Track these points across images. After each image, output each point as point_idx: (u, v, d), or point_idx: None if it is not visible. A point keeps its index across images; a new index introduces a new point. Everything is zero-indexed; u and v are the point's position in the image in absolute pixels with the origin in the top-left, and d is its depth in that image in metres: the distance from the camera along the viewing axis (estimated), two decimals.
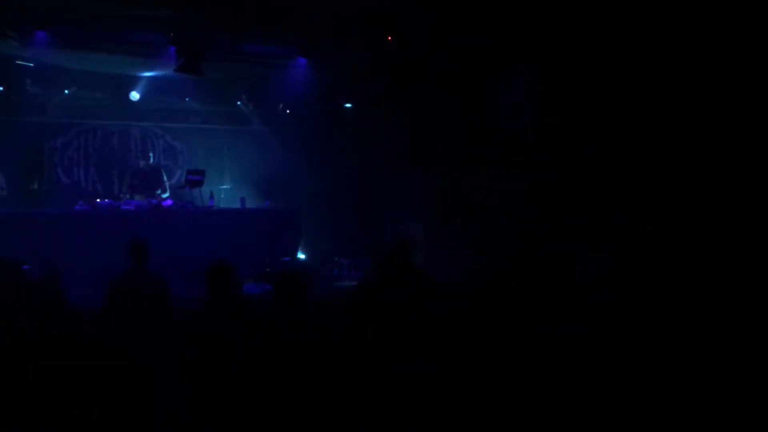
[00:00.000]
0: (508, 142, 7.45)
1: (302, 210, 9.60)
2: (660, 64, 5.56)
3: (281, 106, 10.68)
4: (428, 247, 7.54)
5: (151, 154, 9.82)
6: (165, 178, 9.50)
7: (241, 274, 4.27)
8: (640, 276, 4.09)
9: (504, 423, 2.89)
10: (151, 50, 8.39)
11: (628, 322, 3.34)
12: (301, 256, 9.66)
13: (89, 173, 10.27)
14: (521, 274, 4.19)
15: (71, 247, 7.32)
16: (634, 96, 5.83)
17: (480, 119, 7.94)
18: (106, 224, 7.94)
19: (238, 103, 10.91)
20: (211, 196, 9.29)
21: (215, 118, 11.12)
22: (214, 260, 3.97)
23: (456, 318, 3.72)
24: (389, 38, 8.57)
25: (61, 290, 4.21)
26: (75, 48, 8.18)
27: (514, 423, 2.88)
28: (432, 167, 8.54)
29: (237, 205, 9.61)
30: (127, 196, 8.98)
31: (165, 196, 9.18)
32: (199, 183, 9.29)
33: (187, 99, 10.54)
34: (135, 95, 9.89)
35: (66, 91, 9.61)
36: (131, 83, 9.87)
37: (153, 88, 9.98)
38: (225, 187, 10.36)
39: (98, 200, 8.63)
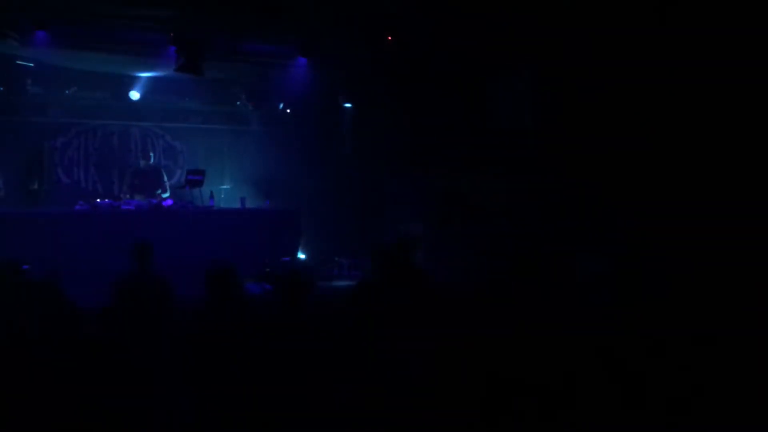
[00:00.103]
0: (508, 142, 7.46)
1: (302, 210, 9.60)
2: (660, 64, 5.57)
3: (281, 106, 10.67)
4: (428, 247, 7.54)
5: (151, 154, 9.83)
6: (165, 178, 9.51)
7: (241, 274, 4.26)
8: (640, 276, 4.10)
9: (504, 423, 2.89)
10: (151, 50, 8.39)
11: (628, 322, 3.34)
12: (301, 256, 9.66)
13: (89, 173, 10.27)
14: (521, 274, 4.20)
15: (71, 247, 7.33)
16: (634, 96, 5.83)
17: (480, 119, 7.94)
18: (106, 224, 7.94)
19: (238, 103, 10.91)
20: (211, 196, 9.29)
21: (215, 118, 11.12)
22: (214, 262, 3.97)
23: (456, 318, 3.72)
24: (389, 38, 8.57)
25: (62, 290, 4.21)
26: (75, 48, 8.18)
27: (514, 423, 2.88)
28: (432, 167, 8.54)
29: (237, 205, 9.62)
30: (127, 196, 8.99)
31: (165, 196, 9.19)
32: (199, 183, 9.29)
33: (186, 99, 10.54)
34: (135, 94, 9.90)
35: (67, 92, 9.61)
36: (131, 83, 9.88)
37: (153, 88, 9.98)
38: (225, 187, 10.36)
39: (98, 200, 8.63)
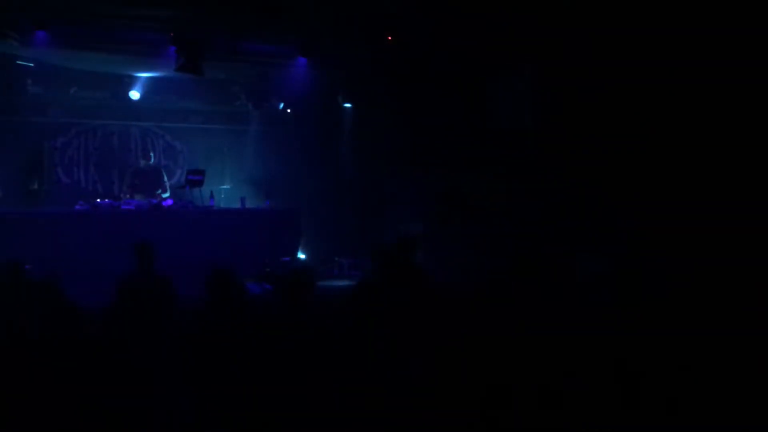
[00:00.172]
0: (508, 142, 7.46)
1: (302, 210, 9.60)
2: (660, 64, 5.57)
3: (281, 105, 10.68)
4: (428, 247, 7.54)
5: (151, 154, 9.83)
6: (165, 178, 9.51)
7: (241, 274, 4.27)
8: (640, 276, 4.09)
9: (504, 423, 2.89)
10: (151, 50, 8.39)
11: (628, 322, 3.33)
12: (301, 256, 9.66)
13: (89, 173, 10.26)
14: (521, 274, 4.19)
15: (71, 247, 7.33)
16: (634, 96, 5.83)
17: (480, 119, 7.94)
18: (106, 224, 7.95)
19: (238, 103, 10.91)
20: (211, 196, 9.29)
21: (215, 118, 11.12)
22: (214, 265, 3.97)
23: (456, 318, 3.72)
24: (389, 38, 8.57)
25: (62, 290, 4.21)
26: (75, 48, 8.18)
27: (514, 423, 2.88)
28: (432, 167, 8.54)
29: (237, 205, 9.62)
30: (127, 195, 8.99)
31: (165, 196, 9.19)
32: (199, 183, 9.29)
33: (186, 99, 10.53)
34: (135, 94, 9.90)
35: (71, 92, 9.60)
36: (131, 83, 9.87)
37: (153, 88, 9.98)
38: (225, 187, 10.36)
39: (98, 200, 8.63)
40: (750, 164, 4.89)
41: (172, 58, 8.28)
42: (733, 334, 3.32)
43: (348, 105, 10.18)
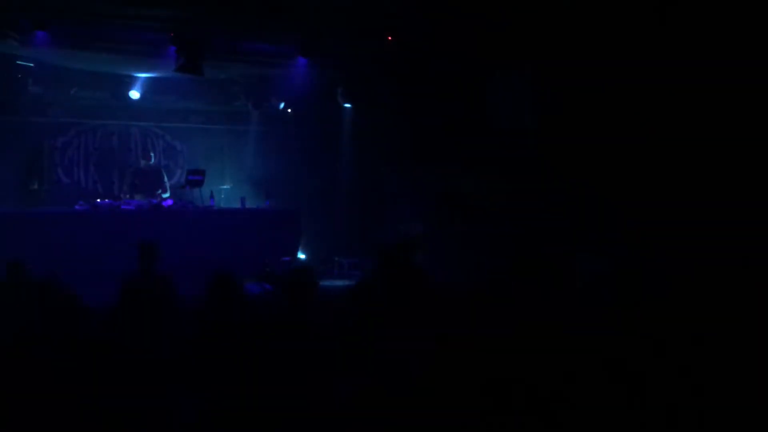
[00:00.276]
0: (508, 142, 7.45)
1: (302, 210, 9.61)
2: (660, 64, 5.56)
3: (281, 106, 10.68)
4: (428, 247, 7.54)
5: (152, 154, 9.83)
6: (165, 178, 9.51)
7: (241, 274, 4.27)
8: (640, 276, 4.09)
9: (504, 423, 2.89)
10: (151, 50, 8.39)
11: (628, 322, 3.33)
12: (301, 256, 9.67)
13: (89, 173, 10.27)
14: (521, 274, 4.19)
15: (71, 247, 7.33)
16: (633, 96, 5.83)
17: (480, 119, 7.94)
18: (106, 224, 7.96)
19: (238, 103, 10.92)
20: (212, 196, 9.30)
21: (215, 118, 11.13)
22: (215, 269, 3.98)
23: (456, 318, 3.72)
24: (389, 38, 8.57)
25: (66, 288, 4.21)
26: (75, 48, 8.17)
27: (514, 423, 2.88)
28: (432, 167, 8.54)
29: (237, 205, 9.62)
30: (128, 195, 8.99)
31: (165, 196, 9.19)
32: (199, 183, 9.30)
33: (186, 99, 10.53)
34: (135, 94, 9.90)
35: (71, 92, 9.60)
36: (131, 83, 9.87)
37: (153, 88, 9.98)
38: (225, 187, 10.36)
39: (98, 200, 8.63)
40: (750, 164, 4.89)
41: (172, 58, 8.28)
42: (733, 334, 3.32)
43: (348, 105, 10.18)
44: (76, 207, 8.30)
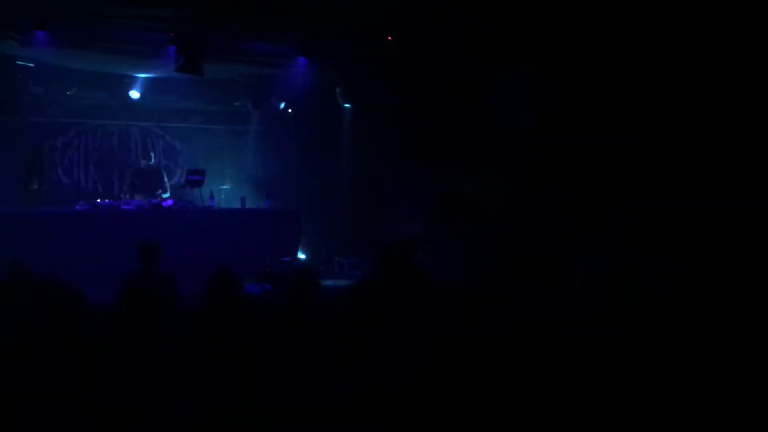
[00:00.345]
0: (508, 142, 7.46)
1: (302, 210, 9.60)
2: (660, 64, 5.57)
3: (281, 106, 10.68)
4: (428, 247, 7.54)
5: (152, 154, 9.83)
6: (165, 178, 9.51)
7: (241, 274, 4.27)
8: (640, 276, 4.09)
9: (504, 423, 2.89)
10: (151, 50, 8.39)
11: (628, 322, 3.34)
12: (301, 256, 9.67)
13: (89, 173, 10.27)
14: (521, 274, 4.19)
15: (71, 247, 7.33)
16: (633, 96, 5.83)
17: (480, 119, 7.95)
18: (106, 224, 7.95)
19: (238, 103, 10.92)
20: (212, 196, 9.30)
21: (215, 118, 11.12)
22: (217, 270, 3.98)
23: (456, 318, 3.72)
24: (389, 38, 8.57)
25: (69, 287, 4.22)
26: (75, 48, 8.17)
27: (514, 423, 2.88)
28: (432, 167, 8.54)
29: (237, 205, 9.62)
30: (128, 195, 8.99)
31: (165, 196, 9.19)
32: (199, 183, 9.30)
33: (186, 99, 10.53)
34: (135, 94, 9.89)
35: (69, 93, 9.60)
36: (131, 83, 9.86)
37: (153, 88, 9.98)
38: (225, 187, 10.36)
39: (98, 200, 8.63)
40: (750, 164, 4.89)
41: (172, 58, 8.28)
42: (733, 334, 3.32)
43: (348, 105, 10.18)
44: (76, 207, 8.30)
